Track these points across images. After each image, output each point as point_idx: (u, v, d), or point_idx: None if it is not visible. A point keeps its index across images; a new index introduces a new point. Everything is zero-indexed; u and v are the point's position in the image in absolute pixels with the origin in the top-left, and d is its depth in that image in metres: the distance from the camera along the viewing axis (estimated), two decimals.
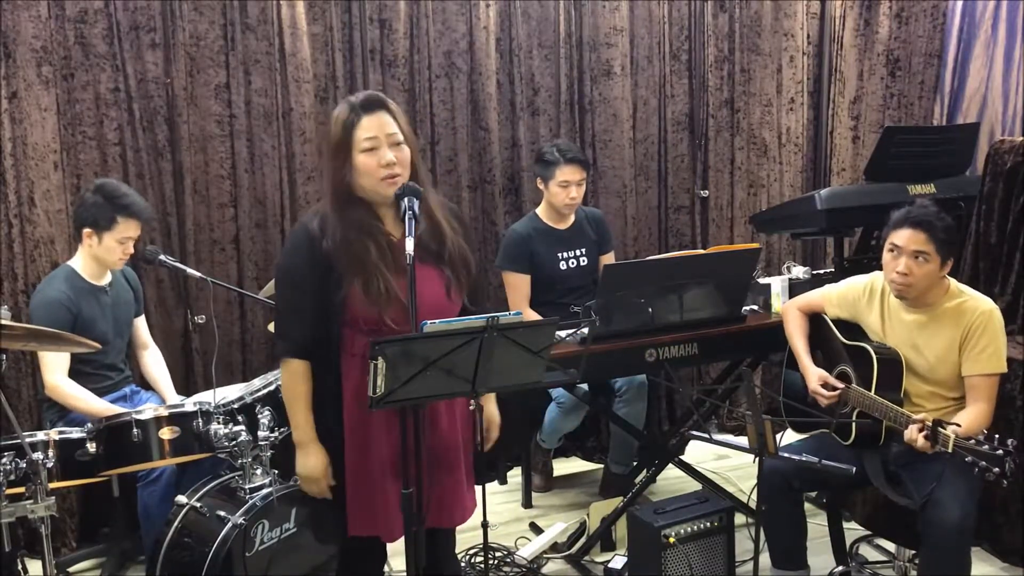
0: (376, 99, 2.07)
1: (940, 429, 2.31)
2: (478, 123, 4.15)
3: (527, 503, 3.83)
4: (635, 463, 3.75)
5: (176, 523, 2.68)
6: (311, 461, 2.13)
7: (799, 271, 3.61)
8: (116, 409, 2.95)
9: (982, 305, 2.61)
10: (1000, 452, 2.18)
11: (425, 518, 2.00)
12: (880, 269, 2.76)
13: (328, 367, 2.11)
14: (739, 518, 3.09)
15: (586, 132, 4.32)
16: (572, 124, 4.29)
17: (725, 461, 4.12)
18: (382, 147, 2.03)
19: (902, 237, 2.58)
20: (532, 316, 3.53)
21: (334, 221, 2.06)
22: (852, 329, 2.85)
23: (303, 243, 2.08)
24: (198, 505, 2.68)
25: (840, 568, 2.96)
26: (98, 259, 3.12)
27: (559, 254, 3.67)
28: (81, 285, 3.11)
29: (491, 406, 2.36)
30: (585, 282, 3.68)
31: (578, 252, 3.70)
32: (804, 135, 4.72)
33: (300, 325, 2.08)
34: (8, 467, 2.39)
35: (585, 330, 2.82)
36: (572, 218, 3.72)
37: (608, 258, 3.79)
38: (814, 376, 2.80)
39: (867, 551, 3.24)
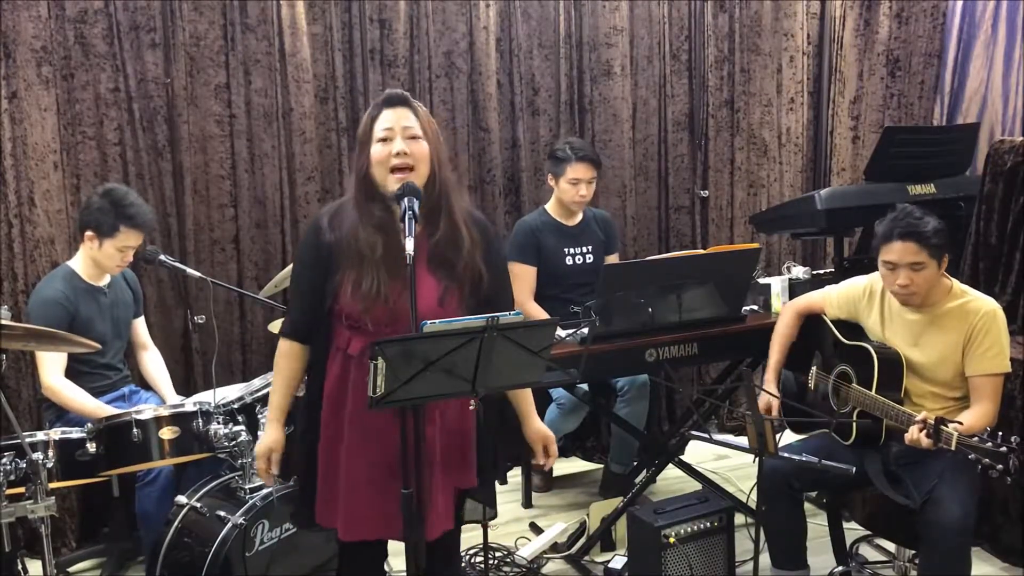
0: (399, 95, 2.11)
1: (942, 427, 2.31)
2: (478, 123, 4.15)
3: (527, 503, 3.83)
4: (635, 463, 3.75)
5: (176, 523, 2.68)
6: (264, 439, 2.21)
7: (799, 271, 3.61)
8: (112, 410, 2.95)
9: (986, 305, 2.61)
10: (1004, 449, 2.18)
11: (424, 519, 1.98)
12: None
13: (320, 358, 2.14)
14: (739, 518, 3.09)
15: (586, 132, 4.32)
16: (572, 124, 4.29)
17: (725, 461, 4.12)
18: (396, 138, 2.05)
19: (894, 252, 2.57)
20: (535, 309, 3.57)
21: (352, 212, 2.10)
22: (852, 329, 2.85)
23: (310, 232, 2.16)
24: (198, 505, 2.68)
25: (840, 568, 2.95)
26: (97, 263, 3.13)
27: (566, 249, 3.68)
28: (79, 285, 3.11)
29: (535, 421, 2.33)
30: (590, 279, 3.68)
31: (585, 249, 3.71)
32: (804, 135, 4.72)
33: (300, 307, 2.16)
34: (8, 467, 2.40)
35: (585, 330, 2.82)
36: (580, 216, 3.74)
37: (613, 259, 3.80)
38: (770, 395, 2.86)
39: (867, 551, 3.24)
